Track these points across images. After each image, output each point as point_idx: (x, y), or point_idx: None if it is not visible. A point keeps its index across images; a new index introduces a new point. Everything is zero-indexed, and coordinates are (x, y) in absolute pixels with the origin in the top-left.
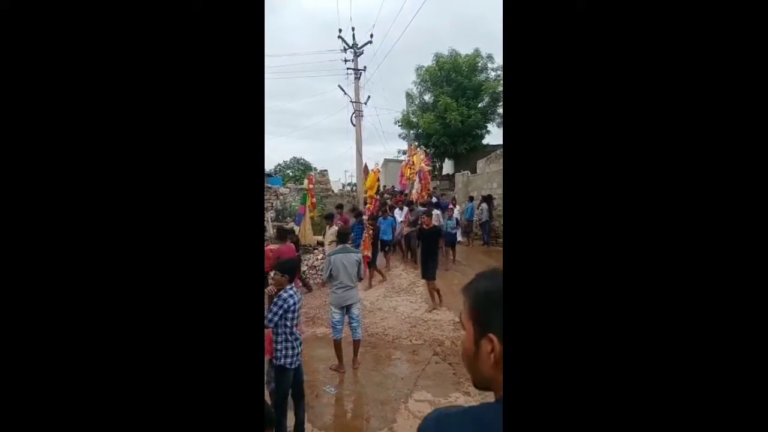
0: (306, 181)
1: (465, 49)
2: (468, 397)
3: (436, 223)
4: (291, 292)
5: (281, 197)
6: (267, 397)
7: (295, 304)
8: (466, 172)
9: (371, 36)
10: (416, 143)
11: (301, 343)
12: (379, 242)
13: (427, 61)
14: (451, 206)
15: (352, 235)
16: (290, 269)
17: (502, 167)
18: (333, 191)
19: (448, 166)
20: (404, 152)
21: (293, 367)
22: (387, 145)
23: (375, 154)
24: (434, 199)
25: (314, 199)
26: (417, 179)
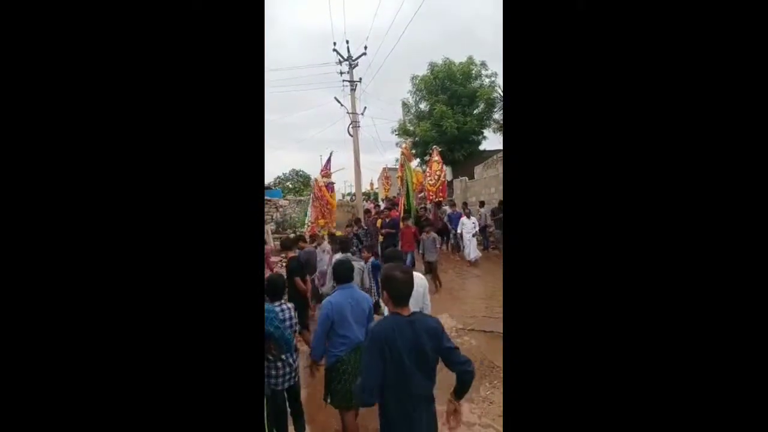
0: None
1: (458, 58)
2: (472, 404)
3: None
4: (283, 307)
5: (281, 209)
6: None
7: (286, 320)
8: (464, 178)
9: (365, 48)
10: (412, 146)
11: (296, 359)
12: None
13: (422, 71)
14: (463, 216)
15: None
16: (277, 289)
17: (499, 172)
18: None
19: (446, 173)
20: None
21: (281, 387)
22: (385, 154)
23: (374, 164)
24: (448, 210)
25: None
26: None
